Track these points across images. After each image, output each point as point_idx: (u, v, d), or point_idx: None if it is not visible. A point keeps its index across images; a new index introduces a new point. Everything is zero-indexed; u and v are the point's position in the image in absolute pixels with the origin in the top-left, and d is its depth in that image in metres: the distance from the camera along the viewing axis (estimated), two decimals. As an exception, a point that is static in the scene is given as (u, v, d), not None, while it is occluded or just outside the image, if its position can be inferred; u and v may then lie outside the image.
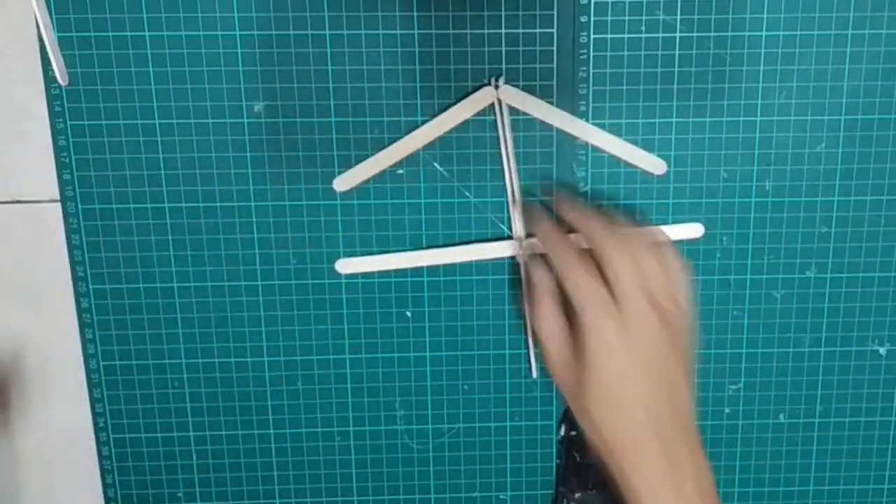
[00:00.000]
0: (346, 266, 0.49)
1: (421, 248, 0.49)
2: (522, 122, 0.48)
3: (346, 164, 0.48)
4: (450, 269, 0.50)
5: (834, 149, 0.48)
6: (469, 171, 0.48)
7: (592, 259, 0.42)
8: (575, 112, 0.48)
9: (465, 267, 0.50)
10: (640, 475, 0.41)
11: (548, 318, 0.44)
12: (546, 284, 0.45)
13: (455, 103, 0.47)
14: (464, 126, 0.47)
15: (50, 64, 0.46)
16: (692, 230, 0.49)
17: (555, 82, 0.47)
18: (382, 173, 0.48)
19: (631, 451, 0.41)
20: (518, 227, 0.48)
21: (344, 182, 0.48)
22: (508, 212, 0.48)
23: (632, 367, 0.41)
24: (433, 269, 0.49)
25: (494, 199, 0.49)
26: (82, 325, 0.50)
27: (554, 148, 0.48)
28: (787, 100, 0.48)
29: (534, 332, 0.45)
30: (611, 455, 0.42)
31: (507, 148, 0.47)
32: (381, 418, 0.52)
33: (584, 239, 0.44)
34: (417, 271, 0.50)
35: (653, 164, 0.48)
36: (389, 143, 0.47)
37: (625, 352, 0.41)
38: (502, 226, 0.49)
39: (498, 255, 0.48)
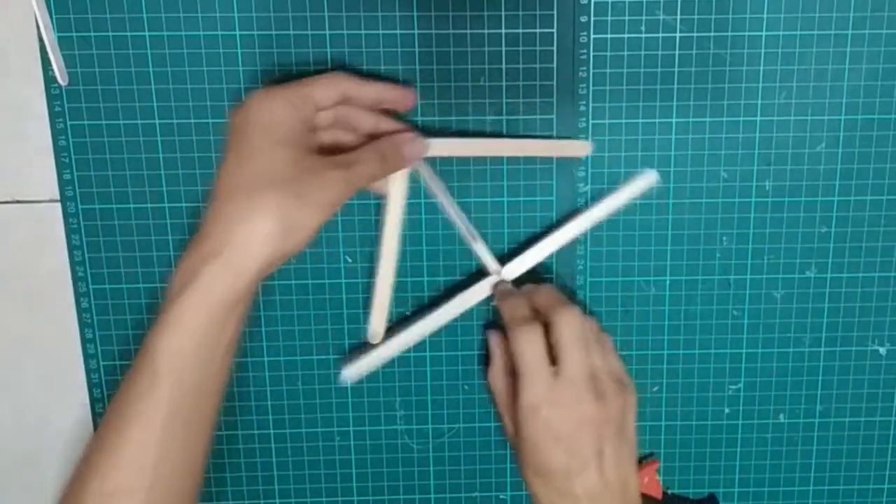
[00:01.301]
0: (352, 374, 0.49)
1: (420, 247, 0.49)
2: (523, 122, 0.48)
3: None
4: (450, 269, 0.50)
5: (834, 149, 0.48)
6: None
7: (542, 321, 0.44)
8: (575, 112, 0.48)
9: (465, 267, 0.50)
10: None
11: (495, 378, 0.46)
12: (498, 345, 0.46)
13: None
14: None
15: (50, 64, 0.46)
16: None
17: (555, 82, 0.47)
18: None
19: None
20: (490, 261, 0.48)
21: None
22: (476, 252, 0.49)
23: (567, 453, 0.42)
24: (433, 269, 0.49)
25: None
26: (82, 325, 0.50)
27: (554, 148, 0.48)
28: (787, 100, 0.48)
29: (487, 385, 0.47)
30: None
31: (446, 202, 0.48)
32: (381, 418, 0.52)
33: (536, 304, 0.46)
34: (417, 270, 0.50)
35: (577, 148, 0.48)
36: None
37: (563, 438, 0.42)
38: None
39: (481, 298, 0.49)
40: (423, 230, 0.49)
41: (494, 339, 0.47)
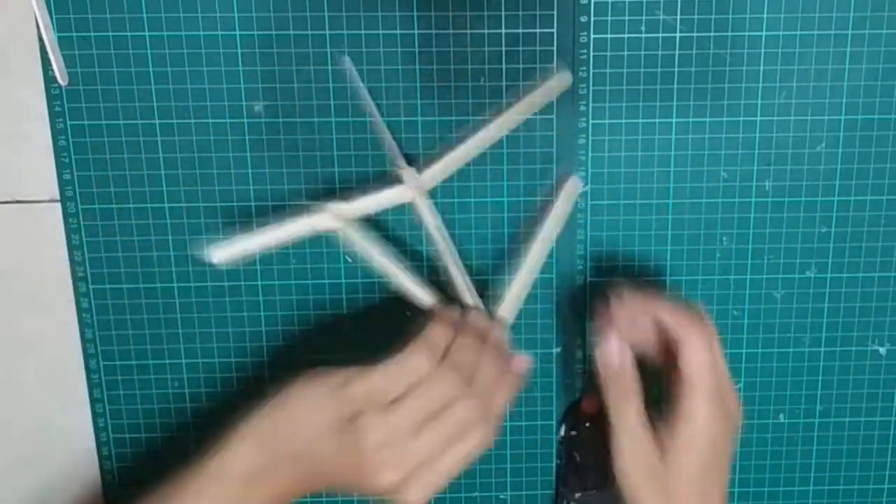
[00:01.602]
0: (221, 253, 0.47)
1: (420, 247, 0.49)
2: (523, 122, 0.48)
3: (346, 164, 0.48)
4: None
5: (834, 149, 0.48)
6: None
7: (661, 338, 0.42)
8: (575, 112, 0.48)
9: (465, 267, 0.50)
10: None
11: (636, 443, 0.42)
12: (631, 391, 0.42)
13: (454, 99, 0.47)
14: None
15: (50, 64, 0.46)
16: (563, 79, 0.47)
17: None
18: (383, 173, 0.48)
19: None
20: (467, 296, 0.48)
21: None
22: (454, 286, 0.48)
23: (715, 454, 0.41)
24: (434, 270, 0.49)
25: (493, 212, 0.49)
26: (82, 325, 0.50)
27: (554, 148, 0.48)
28: (787, 100, 0.48)
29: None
30: None
31: (438, 235, 0.47)
32: (381, 418, 0.52)
33: (656, 319, 0.43)
34: (419, 270, 0.50)
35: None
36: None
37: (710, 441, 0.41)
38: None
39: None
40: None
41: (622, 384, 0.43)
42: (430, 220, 0.47)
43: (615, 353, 0.42)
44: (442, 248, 0.48)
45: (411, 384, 0.41)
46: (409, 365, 0.41)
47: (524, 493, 0.53)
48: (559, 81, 0.47)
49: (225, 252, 0.47)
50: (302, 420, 0.41)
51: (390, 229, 0.49)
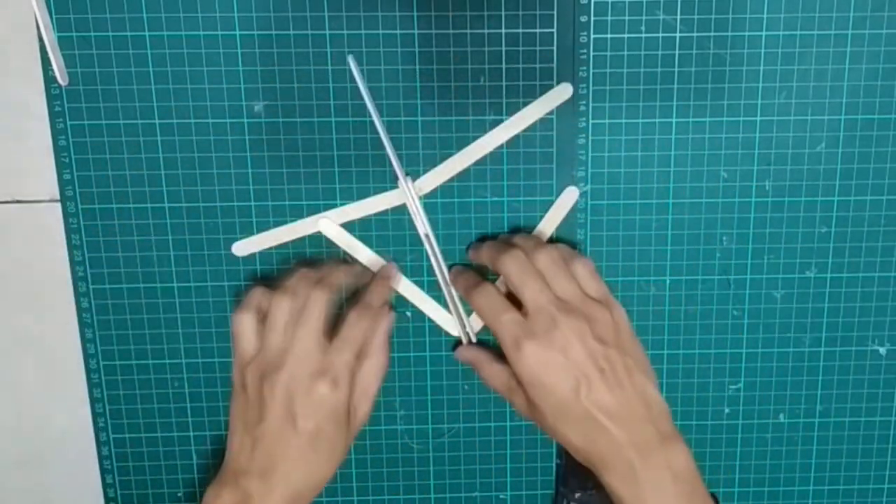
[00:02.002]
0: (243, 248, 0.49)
1: (420, 246, 0.49)
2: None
3: (347, 164, 0.48)
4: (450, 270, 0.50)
5: (834, 149, 0.48)
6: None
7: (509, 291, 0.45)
8: (575, 112, 0.48)
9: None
10: (619, 479, 0.42)
11: (495, 375, 0.46)
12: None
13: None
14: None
15: (50, 64, 0.46)
16: (563, 91, 0.47)
17: (555, 82, 0.47)
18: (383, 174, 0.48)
19: (606, 456, 0.42)
20: (457, 305, 0.49)
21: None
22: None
23: (566, 375, 0.42)
24: (435, 271, 0.49)
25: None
26: (82, 325, 0.50)
27: (554, 148, 0.48)
28: (787, 100, 0.48)
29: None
30: (596, 468, 0.43)
31: (427, 243, 0.48)
32: (381, 418, 0.52)
33: (496, 272, 0.46)
34: (418, 271, 0.50)
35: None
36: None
37: (555, 363, 0.42)
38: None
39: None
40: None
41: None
42: (421, 227, 0.48)
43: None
44: (430, 255, 0.48)
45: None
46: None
47: (524, 492, 0.53)
48: (559, 93, 0.47)
49: (245, 247, 0.49)
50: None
51: (386, 231, 0.49)
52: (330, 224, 0.48)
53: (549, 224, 0.49)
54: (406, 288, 0.50)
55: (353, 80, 0.46)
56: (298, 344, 0.44)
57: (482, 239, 0.49)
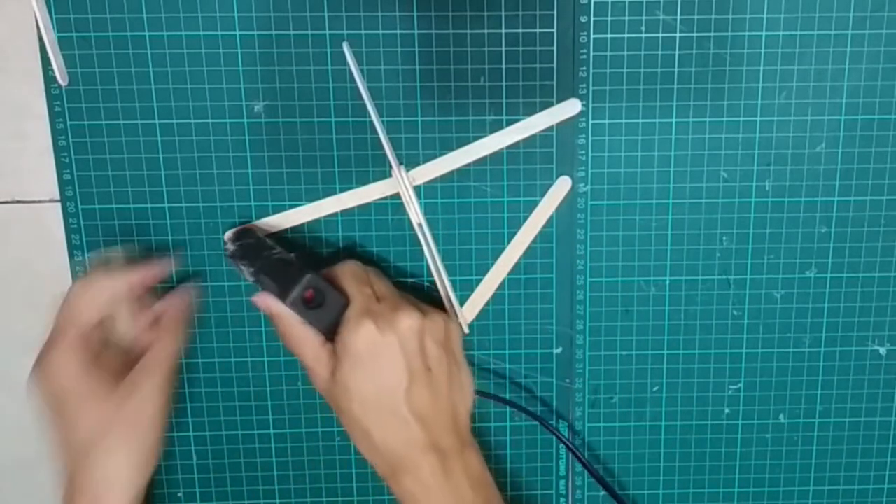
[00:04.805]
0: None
1: (418, 246, 0.49)
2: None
3: (347, 164, 0.48)
4: (450, 269, 0.50)
5: (834, 149, 0.48)
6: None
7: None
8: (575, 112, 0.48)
9: (465, 268, 0.50)
10: (416, 481, 0.43)
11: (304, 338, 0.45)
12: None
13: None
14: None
15: (50, 64, 0.46)
16: (572, 105, 0.48)
17: (555, 82, 0.47)
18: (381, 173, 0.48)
19: (405, 456, 0.43)
20: (450, 295, 0.49)
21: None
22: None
23: (397, 364, 0.42)
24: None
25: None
26: (82, 325, 0.50)
27: (554, 148, 0.48)
28: (787, 100, 0.48)
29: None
30: (389, 467, 0.43)
31: (421, 233, 0.48)
32: (381, 418, 0.52)
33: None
34: (418, 271, 0.50)
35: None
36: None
37: (391, 349, 0.42)
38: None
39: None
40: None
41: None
42: (414, 216, 0.48)
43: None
44: (424, 246, 0.48)
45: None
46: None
47: (524, 493, 0.53)
48: (567, 109, 0.47)
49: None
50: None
51: (381, 225, 0.49)
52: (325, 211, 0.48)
53: (540, 215, 0.49)
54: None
55: (350, 74, 0.46)
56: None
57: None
